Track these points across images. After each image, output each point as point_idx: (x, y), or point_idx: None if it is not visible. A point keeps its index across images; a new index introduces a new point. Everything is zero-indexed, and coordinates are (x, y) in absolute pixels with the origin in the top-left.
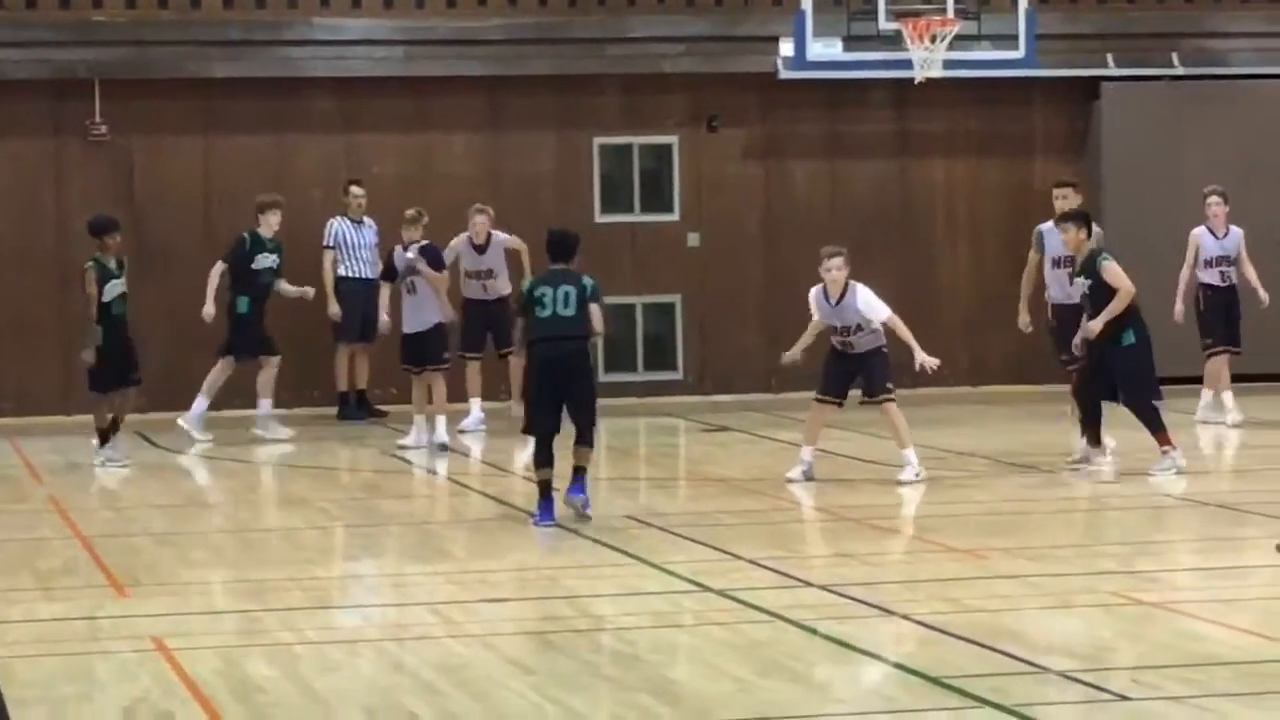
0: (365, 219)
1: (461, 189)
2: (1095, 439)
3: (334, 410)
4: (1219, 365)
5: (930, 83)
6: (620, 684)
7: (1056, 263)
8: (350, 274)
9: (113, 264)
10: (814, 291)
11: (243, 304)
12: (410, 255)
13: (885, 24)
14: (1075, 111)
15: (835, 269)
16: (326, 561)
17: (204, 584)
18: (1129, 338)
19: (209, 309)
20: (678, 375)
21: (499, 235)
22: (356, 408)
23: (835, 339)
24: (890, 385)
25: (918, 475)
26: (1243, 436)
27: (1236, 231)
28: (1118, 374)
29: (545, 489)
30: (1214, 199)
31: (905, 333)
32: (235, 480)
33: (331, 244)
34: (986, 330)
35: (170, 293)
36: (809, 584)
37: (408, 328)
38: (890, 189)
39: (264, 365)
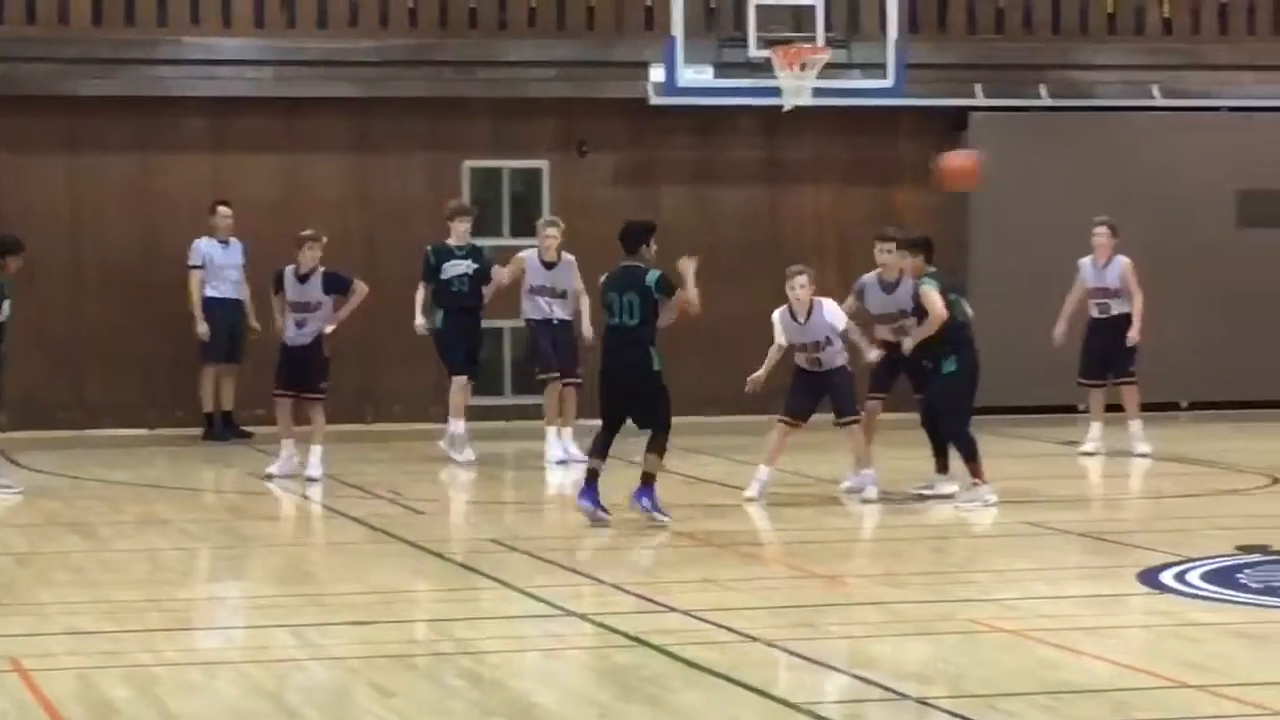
0: (232, 239)
1: (330, 211)
2: (942, 466)
3: (199, 431)
4: (1099, 396)
5: (800, 110)
6: (482, 708)
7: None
8: (217, 294)
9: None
10: (777, 314)
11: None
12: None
13: (756, 51)
14: (943, 141)
15: (801, 286)
16: (188, 583)
17: (63, 605)
18: (950, 365)
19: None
20: (541, 399)
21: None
22: (223, 429)
23: (803, 357)
24: (857, 407)
25: (875, 495)
26: (1103, 465)
27: (1119, 262)
28: (935, 400)
29: (590, 477)
30: (1099, 230)
31: (858, 335)
32: (98, 501)
33: (198, 264)
34: (854, 356)
35: (36, 312)
36: (672, 609)
37: (293, 341)
38: (759, 216)
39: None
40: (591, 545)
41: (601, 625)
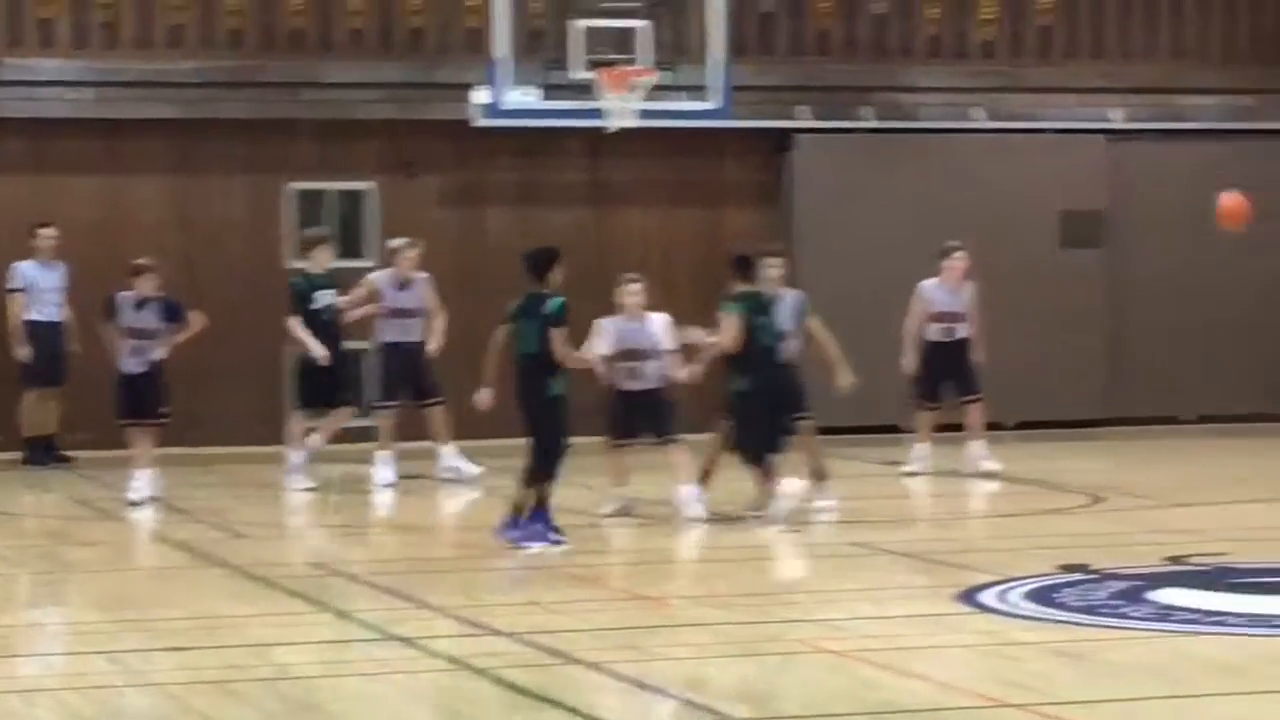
0: (54, 261)
1: (151, 233)
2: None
3: (19, 455)
4: (931, 419)
5: (625, 132)
6: None
7: None
8: (40, 317)
9: None
10: (608, 321)
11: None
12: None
13: (580, 73)
14: (768, 162)
15: (633, 293)
16: (5, 609)
17: None
18: (740, 385)
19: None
20: (368, 421)
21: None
22: (44, 453)
23: (626, 366)
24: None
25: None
26: (928, 485)
27: (969, 286)
28: (734, 420)
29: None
30: (960, 254)
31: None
32: None
33: (19, 287)
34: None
35: None
36: (495, 632)
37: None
38: (584, 237)
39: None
40: (416, 569)
41: (423, 649)
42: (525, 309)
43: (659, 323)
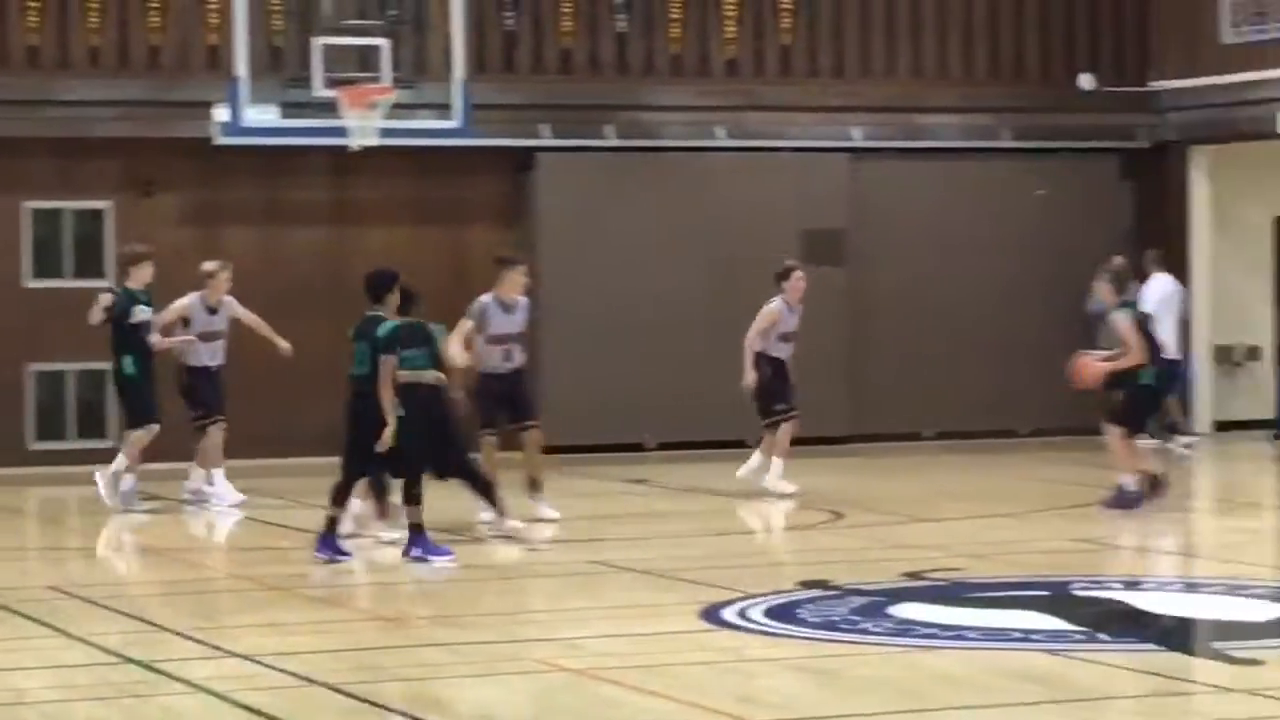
0: None
1: None
2: (492, 503)
3: None
4: (790, 430)
5: (367, 151)
6: None
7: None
8: None
9: None
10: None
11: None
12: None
13: (321, 91)
14: (511, 180)
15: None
16: None
17: None
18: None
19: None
20: (112, 442)
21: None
22: None
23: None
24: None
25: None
26: (672, 502)
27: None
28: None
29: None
30: (799, 274)
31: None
32: None
33: None
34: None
35: None
36: (232, 654)
37: None
38: (327, 256)
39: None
40: (153, 591)
41: (160, 672)
42: (361, 330)
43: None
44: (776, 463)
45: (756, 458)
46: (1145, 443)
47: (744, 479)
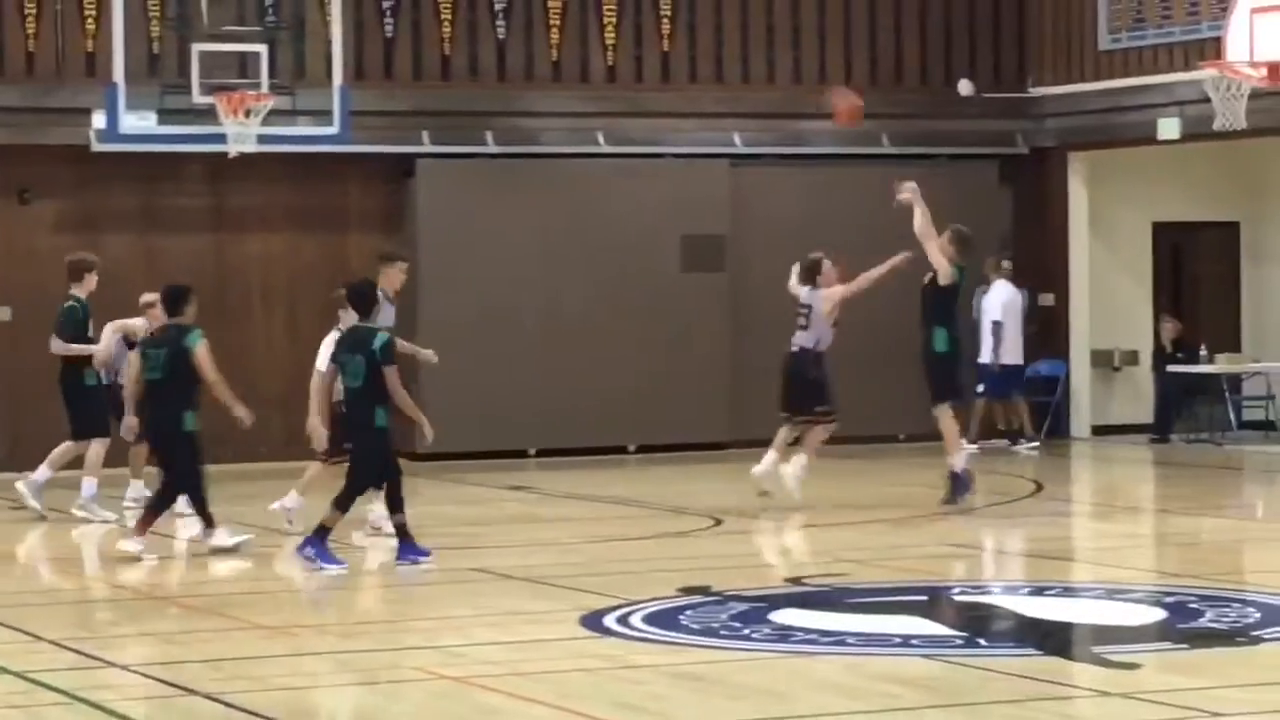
0: None
1: None
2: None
3: None
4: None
5: (246, 157)
6: None
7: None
8: None
9: None
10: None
11: None
12: None
13: (199, 98)
14: (391, 188)
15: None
16: None
17: None
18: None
19: None
20: None
21: None
22: None
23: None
24: None
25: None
26: (549, 509)
27: None
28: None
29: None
30: (829, 262)
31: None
32: None
33: None
34: (302, 403)
35: None
36: (110, 664)
37: None
38: (206, 263)
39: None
40: (29, 600)
41: (35, 682)
42: (353, 343)
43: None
44: (799, 460)
45: (772, 455)
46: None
47: (760, 477)
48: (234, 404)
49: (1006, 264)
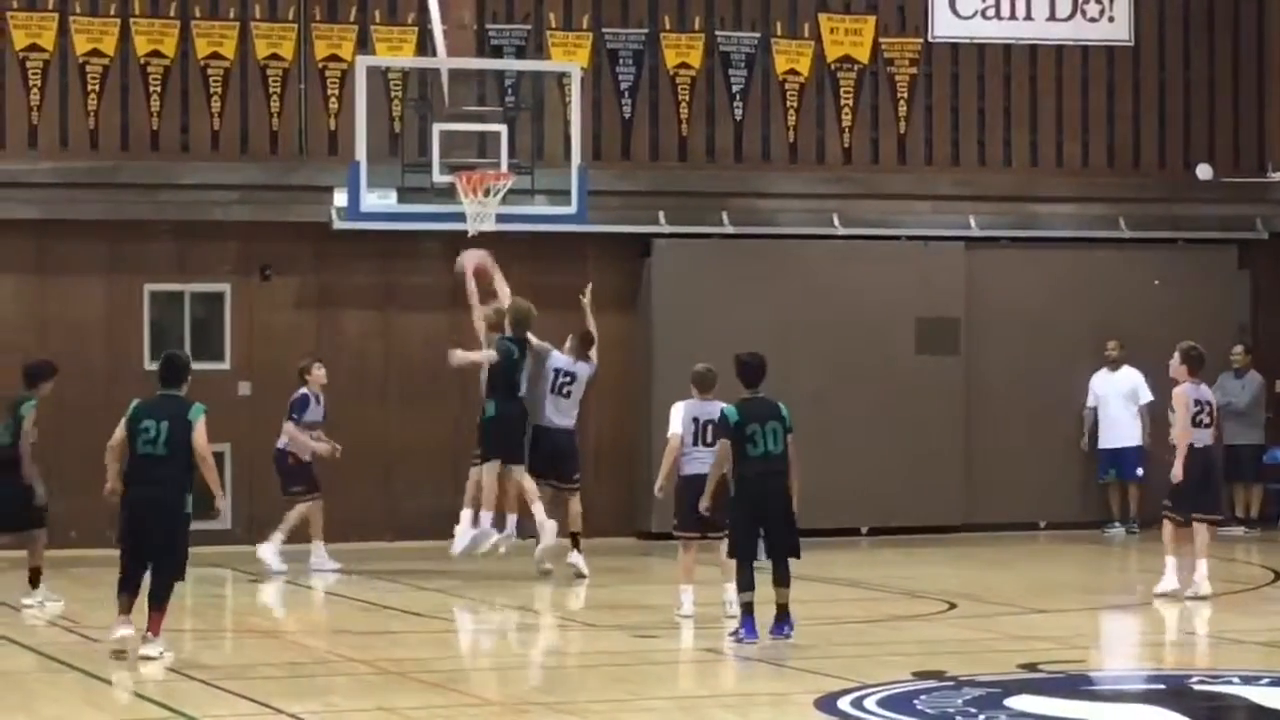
0: None
1: (9, 332)
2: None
3: None
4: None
5: (484, 236)
6: None
7: None
8: None
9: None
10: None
11: None
12: None
13: (439, 177)
14: (627, 267)
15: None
16: None
17: None
18: None
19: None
20: (225, 525)
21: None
22: None
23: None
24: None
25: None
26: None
27: None
28: None
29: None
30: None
31: None
32: None
33: None
34: None
35: None
36: None
37: None
38: (443, 340)
39: None
40: (270, 674)
41: None
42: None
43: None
44: (1200, 565)
45: (1170, 561)
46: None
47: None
48: None
49: (1237, 351)
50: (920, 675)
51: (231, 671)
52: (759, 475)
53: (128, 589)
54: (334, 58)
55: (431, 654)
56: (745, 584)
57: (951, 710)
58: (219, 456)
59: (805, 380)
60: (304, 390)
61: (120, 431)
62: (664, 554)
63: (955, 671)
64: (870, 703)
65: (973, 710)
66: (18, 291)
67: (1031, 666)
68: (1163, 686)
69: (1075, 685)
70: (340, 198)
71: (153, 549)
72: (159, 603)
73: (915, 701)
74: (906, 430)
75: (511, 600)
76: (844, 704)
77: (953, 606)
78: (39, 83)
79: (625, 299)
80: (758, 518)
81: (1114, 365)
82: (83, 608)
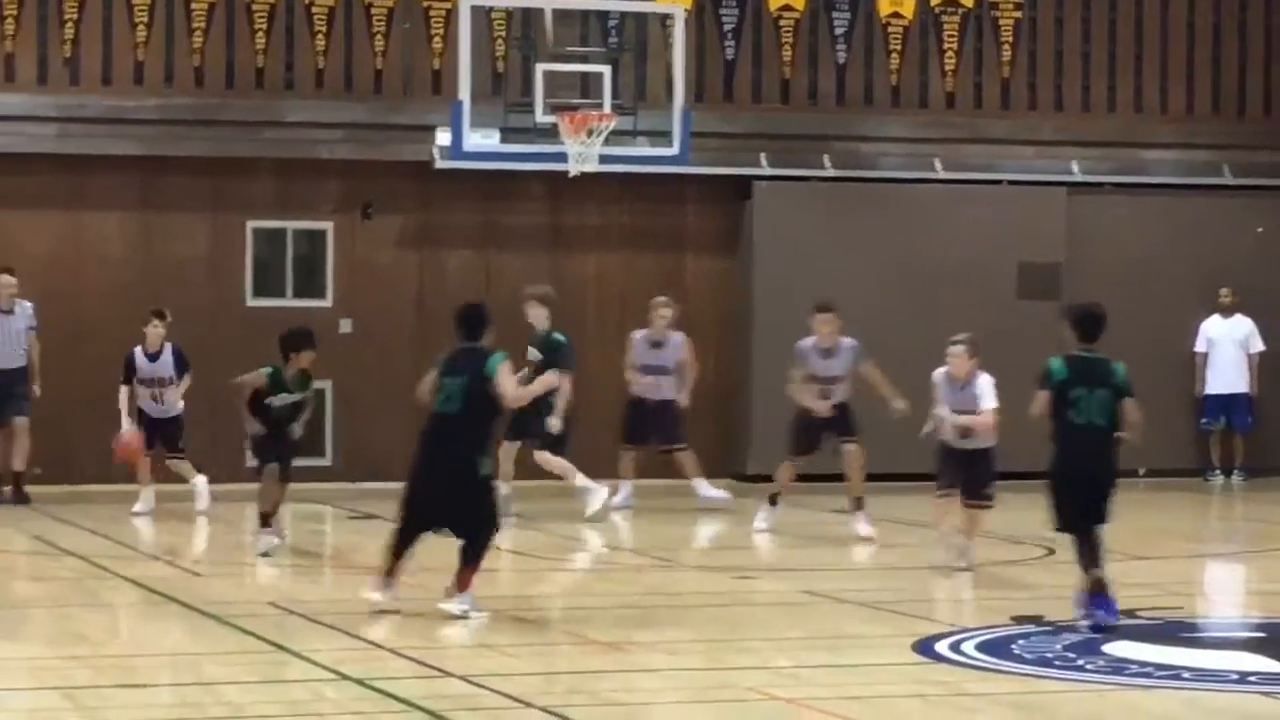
0: (17, 306)
1: (114, 269)
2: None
3: None
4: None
5: (585, 177)
6: None
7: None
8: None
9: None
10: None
11: None
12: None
13: (542, 117)
14: (728, 209)
15: (954, 355)
16: None
17: None
18: None
19: None
20: (326, 461)
21: (676, 335)
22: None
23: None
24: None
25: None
26: (881, 534)
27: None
28: None
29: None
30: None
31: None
32: None
33: None
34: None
35: None
36: (449, 674)
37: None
38: (543, 280)
39: None
40: (369, 609)
41: (376, 690)
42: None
43: (982, 383)
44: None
45: None
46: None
47: None
48: None
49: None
50: (1018, 620)
51: (332, 607)
52: (1078, 449)
53: (399, 553)
54: None
55: (532, 592)
56: (1088, 560)
57: (1050, 655)
58: (319, 394)
59: (905, 325)
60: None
61: (429, 380)
62: (762, 496)
63: (1053, 617)
64: (968, 647)
65: (1071, 655)
66: (122, 228)
67: (1130, 613)
68: (1264, 634)
69: (1174, 632)
70: (443, 137)
71: (450, 515)
72: (468, 561)
73: (1013, 646)
74: (1006, 376)
75: (611, 540)
76: (942, 647)
77: (1051, 552)
78: (146, 19)
79: (725, 242)
80: (1074, 492)
81: (1227, 312)
82: (186, 541)
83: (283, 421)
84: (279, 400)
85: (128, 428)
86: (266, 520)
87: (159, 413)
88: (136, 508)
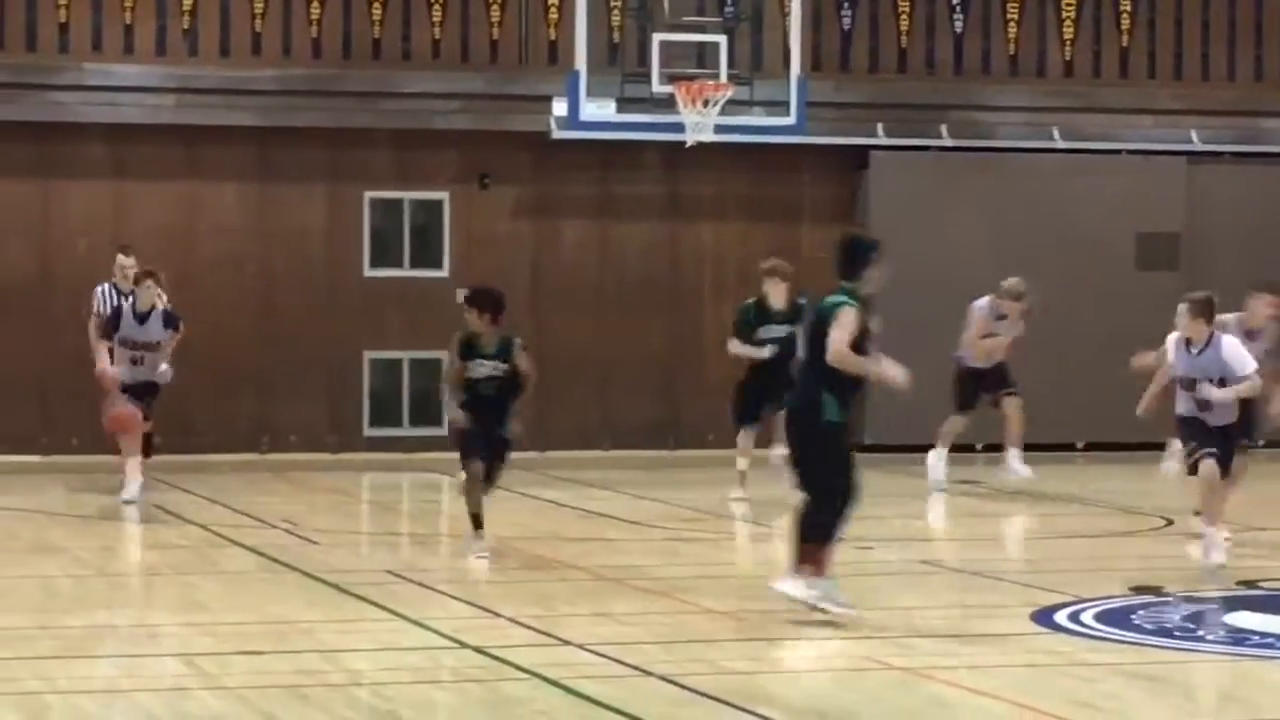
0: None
1: (230, 240)
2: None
3: (95, 458)
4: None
5: (701, 146)
6: None
7: None
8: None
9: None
10: (1171, 339)
11: None
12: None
13: (658, 87)
14: (844, 179)
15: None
16: (79, 610)
17: None
18: None
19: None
20: (444, 431)
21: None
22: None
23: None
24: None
25: None
26: (997, 505)
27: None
28: None
29: None
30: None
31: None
32: None
33: (102, 312)
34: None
35: None
36: (566, 642)
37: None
38: (659, 251)
39: None
40: (486, 578)
41: (494, 658)
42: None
43: (1226, 346)
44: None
45: None
46: None
47: None
48: None
49: None
50: (1137, 590)
51: (448, 575)
52: None
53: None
54: None
55: (648, 561)
56: None
57: (1170, 625)
58: (437, 363)
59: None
60: None
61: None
62: (875, 466)
63: (1173, 588)
64: (1087, 617)
65: (1191, 625)
66: (240, 198)
67: (1251, 583)
68: None
69: None
70: (559, 107)
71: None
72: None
73: (1133, 616)
74: (1125, 345)
75: (729, 510)
76: (1060, 618)
77: (1169, 523)
78: None
79: (841, 212)
80: None
81: None
82: (304, 510)
83: (489, 405)
84: (478, 371)
85: (124, 398)
86: (479, 523)
87: (138, 377)
88: (125, 495)
